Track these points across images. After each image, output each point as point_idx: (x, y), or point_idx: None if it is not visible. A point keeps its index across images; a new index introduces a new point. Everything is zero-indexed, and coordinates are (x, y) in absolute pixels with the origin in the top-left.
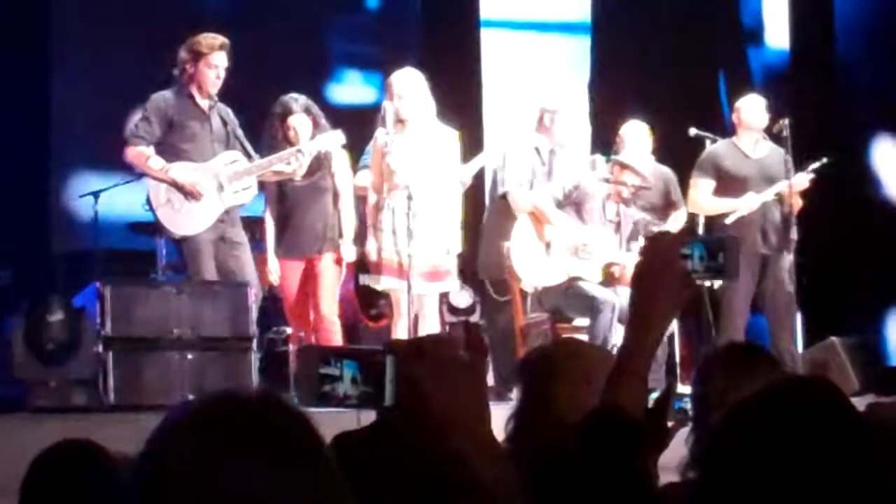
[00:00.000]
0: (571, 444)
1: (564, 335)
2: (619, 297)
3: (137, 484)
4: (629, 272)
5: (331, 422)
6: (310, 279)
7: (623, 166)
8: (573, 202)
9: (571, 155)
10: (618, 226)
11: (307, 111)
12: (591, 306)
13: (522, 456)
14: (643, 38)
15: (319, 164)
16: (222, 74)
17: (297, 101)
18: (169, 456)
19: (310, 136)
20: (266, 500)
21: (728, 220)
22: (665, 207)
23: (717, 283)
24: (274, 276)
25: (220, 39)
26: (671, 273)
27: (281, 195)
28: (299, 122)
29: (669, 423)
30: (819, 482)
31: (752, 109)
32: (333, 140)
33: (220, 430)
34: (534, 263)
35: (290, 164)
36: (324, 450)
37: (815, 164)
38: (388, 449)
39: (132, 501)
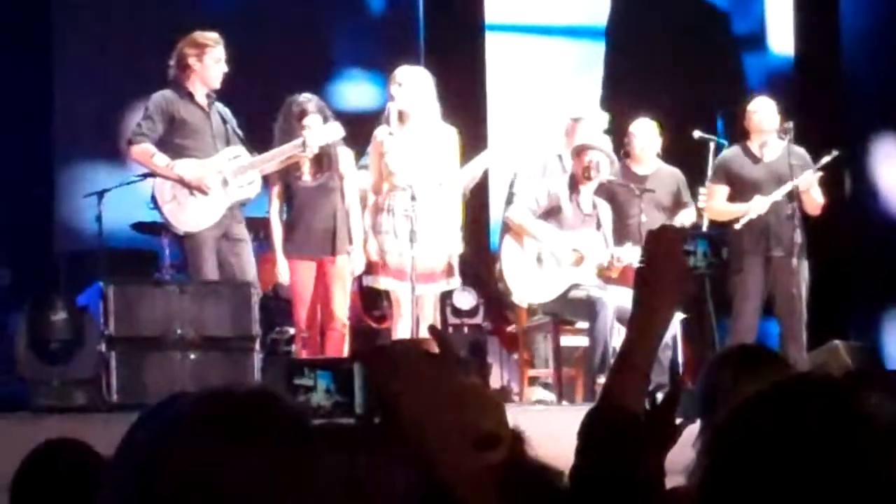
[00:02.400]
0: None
1: (564, 337)
2: (617, 297)
3: (132, 482)
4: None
5: None
6: (321, 280)
7: (581, 150)
8: (550, 210)
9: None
10: (598, 223)
11: (321, 111)
12: (589, 309)
13: None
14: (652, 43)
15: (329, 164)
16: (225, 68)
17: (311, 101)
18: (166, 453)
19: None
20: (261, 498)
21: (738, 225)
22: (674, 207)
23: (728, 286)
24: (284, 276)
25: (216, 34)
26: (674, 268)
27: (289, 196)
28: (314, 123)
29: (677, 421)
30: (825, 479)
31: (762, 112)
32: (333, 132)
33: (218, 428)
34: (527, 280)
35: (304, 148)
36: (317, 448)
37: (826, 159)
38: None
39: (126, 499)
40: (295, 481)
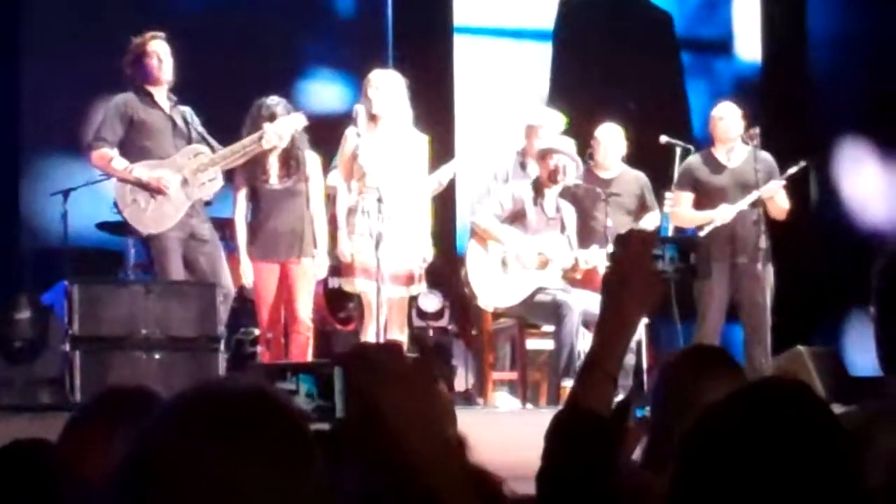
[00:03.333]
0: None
1: (530, 340)
2: (583, 301)
3: (126, 481)
4: (590, 268)
5: None
6: (285, 282)
7: (546, 154)
8: (514, 214)
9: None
10: (562, 226)
11: (288, 114)
12: (555, 313)
13: None
14: (605, 47)
15: (297, 167)
16: (164, 59)
17: (279, 104)
18: (159, 451)
19: (289, 140)
20: (258, 495)
21: (702, 232)
22: (638, 211)
23: (693, 291)
24: (248, 278)
25: (151, 33)
26: (642, 272)
27: (254, 198)
28: (281, 113)
29: (631, 425)
30: (796, 483)
31: (728, 119)
32: (295, 122)
33: (212, 425)
34: (492, 285)
35: (265, 140)
36: (313, 446)
37: (793, 170)
38: (339, 458)
39: (120, 498)
40: (294, 482)
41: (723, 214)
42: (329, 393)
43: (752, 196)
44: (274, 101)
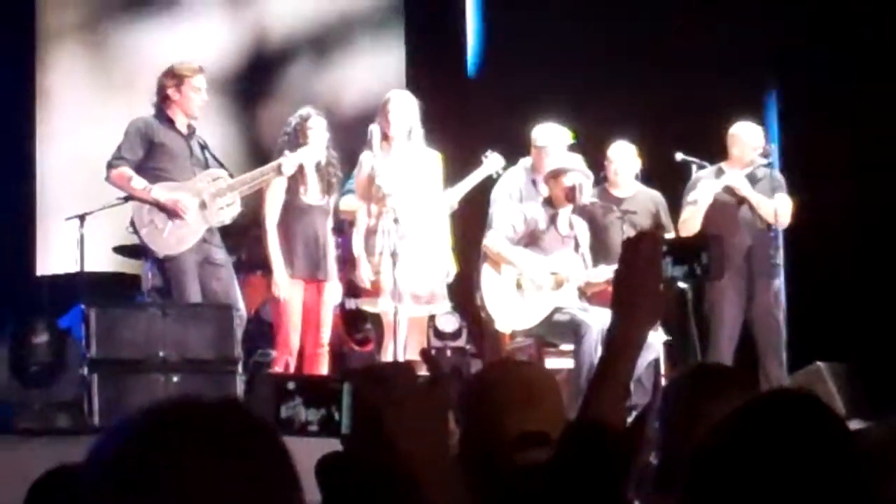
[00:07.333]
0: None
1: (548, 359)
2: (601, 319)
3: (107, 493)
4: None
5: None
6: (311, 302)
7: (558, 173)
8: (528, 235)
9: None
10: (576, 244)
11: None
12: (574, 331)
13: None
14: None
15: (335, 185)
16: (205, 97)
17: (318, 126)
18: (140, 464)
19: (325, 143)
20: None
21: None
22: (654, 230)
23: (705, 305)
24: (284, 291)
25: (197, 64)
26: (653, 275)
27: (287, 210)
28: (318, 124)
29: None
30: (808, 496)
31: (746, 138)
32: (315, 154)
33: (180, 435)
34: (509, 308)
35: (284, 168)
36: (286, 460)
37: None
38: (346, 477)
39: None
40: (268, 493)
41: (732, 177)
42: (330, 406)
43: (749, 170)
44: (317, 123)
